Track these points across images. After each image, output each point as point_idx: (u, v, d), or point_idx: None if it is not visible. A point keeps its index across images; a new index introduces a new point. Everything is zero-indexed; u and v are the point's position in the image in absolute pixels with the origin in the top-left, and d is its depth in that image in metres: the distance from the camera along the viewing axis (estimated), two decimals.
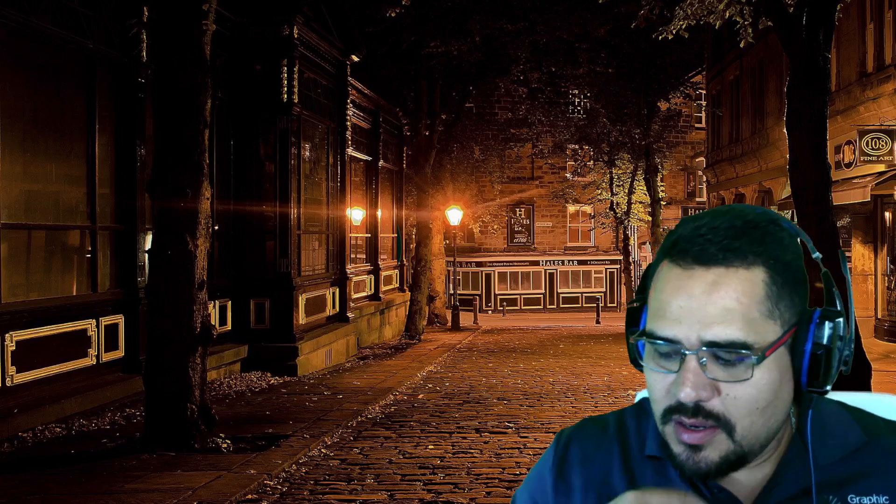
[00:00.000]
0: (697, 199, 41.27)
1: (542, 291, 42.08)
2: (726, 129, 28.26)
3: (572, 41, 22.71)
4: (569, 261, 42.03)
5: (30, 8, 8.81)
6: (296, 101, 13.70)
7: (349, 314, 16.93)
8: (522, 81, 25.65)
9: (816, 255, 1.03)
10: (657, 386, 1.01)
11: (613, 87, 26.66)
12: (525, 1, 20.61)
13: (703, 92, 33.22)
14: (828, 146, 9.36)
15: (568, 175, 39.12)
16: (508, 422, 9.80)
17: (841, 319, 1.00)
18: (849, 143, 16.69)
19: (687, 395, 0.96)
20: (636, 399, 1.25)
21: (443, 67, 22.22)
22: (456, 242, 30.02)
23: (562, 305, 41.81)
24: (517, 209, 41.07)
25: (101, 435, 8.29)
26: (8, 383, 8.27)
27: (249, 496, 6.60)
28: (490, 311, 39.79)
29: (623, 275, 34.39)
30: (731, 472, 1.00)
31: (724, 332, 0.96)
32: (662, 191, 32.50)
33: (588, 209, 40.97)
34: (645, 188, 29.42)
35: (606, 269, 42.27)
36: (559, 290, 42.16)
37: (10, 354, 8.28)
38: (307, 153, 15.39)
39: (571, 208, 41.47)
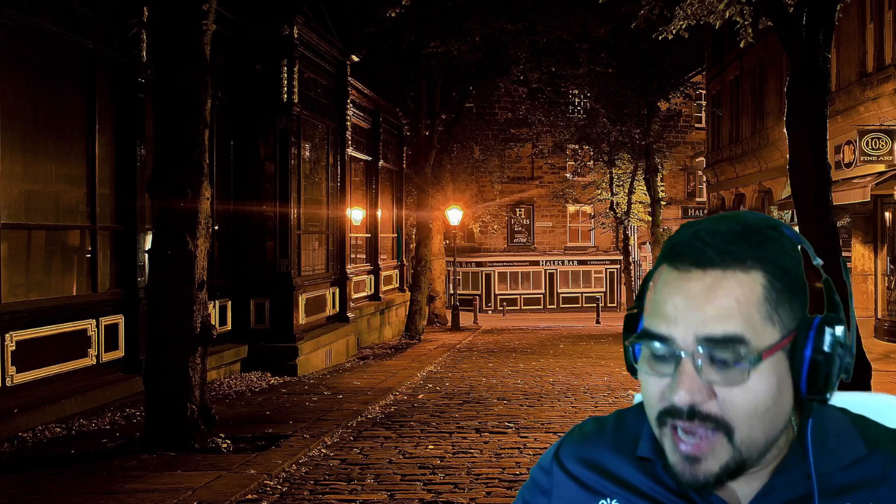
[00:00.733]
0: (697, 199, 41.27)
1: (542, 291, 42.09)
2: (726, 129, 28.27)
3: (572, 41, 22.71)
4: (569, 261, 42.03)
5: (30, 8, 8.81)
6: (296, 101, 13.70)
7: (349, 314, 16.93)
8: (522, 81, 25.65)
9: (818, 261, 1.03)
10: (651, 390, 1.00)
11: (613, 87, 26.67)
12: (525, 1, 20.61)
13: (703, 92, 33.23)
14: (828, 146, 9.36)
15: (568, 175, 39.12)
16: (508, 422, 9.80)
17: (842, 326, 0.99)
18: (849, 143, 16.69)
19: (681, 398, 0.95)
20: (635, 400, 1.25)
21: (443, 67, 22.22)
22: (456, 242, 30.02)
23: (562, 305, 41.81)
24: (517, 209, 41.08)
25: (101, 435, 8.29)
26: (8, 383, 8.27)
27: (249, 496, 6.60)
28: (490, 311, 39.79)
29: (623, 275, 34.39)
30: (730, 480, 0.99)
31: (721, 327, 0.95)
32: (662, 191, 32.52)
33: (588, 209, 40.97)
34: (645, 188, 29.43)
35: (606, 269, 42.27)
36: (559, 290, 42.16)
37: (10, 354, 8.28)
38: (307, 153, 15.39)
39: (571, 208, 41.47)
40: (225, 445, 7.84)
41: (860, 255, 17.56)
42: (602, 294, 40.07)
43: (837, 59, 17.58)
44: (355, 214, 19.39)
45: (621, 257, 35.01)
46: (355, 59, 17.02)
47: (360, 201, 20.24)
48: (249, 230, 13.61)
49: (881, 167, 15.86)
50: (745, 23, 11.75)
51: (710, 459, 0.96)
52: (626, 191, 31.17)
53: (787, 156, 9.51)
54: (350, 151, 17.78)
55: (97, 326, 9.75)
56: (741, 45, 12.69)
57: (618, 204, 31.65)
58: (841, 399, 1.13)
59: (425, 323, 22.58)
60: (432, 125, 22.29)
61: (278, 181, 13.59)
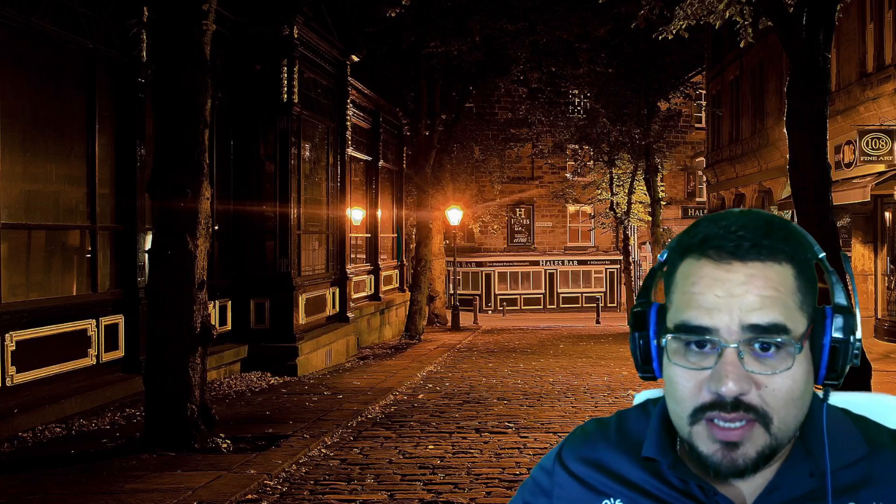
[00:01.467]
0: (697, 199, 41.26)
1: (542, 291, 42.09)
2: (726, 129, 28.27)
3: (572, 41, 22.70)
4: (569, 261, 42.03)
5: (30, 8, 8.81)
6: (296, 101, 13.70)
7: (349, 314, 16.93)
8: (522, 81, 25.65)
9: (822, 254, 1.05)
10: (686, 385, 1.00)
11: (613, 87, 26.64)
12: (525, 1, 20.60)
13: (703, 92, 33.22)
14: (828, 146, 9.36)
15: (568, 175, 39.11)
16: (508, 422, 9.80)
17: (852, 315, 1.03)
18: (849, 143, 16.69)
19: (729, 389, 0.97)
20: (635, 400, 1.25)
21: (443, 67, 22.22)
22: (456, 242, 30.01)
23: (562, 305, 41.81)
24: (517, 209, 41.08)
25: (101, 435, 8.29)
26: (8, 383, 8.27)
27: (249, 496, 6.61)
28: (490, 311, 39.79)
29: (623, 275, 34.34)
30: (764, 467, 1.00)
31: (766, 316, 0.98)
32: (662, 191, 32.50)
33: (588, 209, 40.96)
34: (645, 188, 29.39)
35: (606, 269, 42.27)
36: (559, 290, 42.16)
37: (10, 354, 8.28)
38: (307, 153, 15.39)
39: (571, 208, 41.47)
40: (225, 445, 7.84)
41: (860, 255, 17.56)
42: (602, 294, 40.07)
43: (837, 59, 17.58)
44: (355, 214, 19.39)
45: (621, 257, 34.99)
46: (355, 59, 17.02)
47: (360, 201, 20.24)
48: (249, 230, 13.61)
49: (881, 167, 15.85)
50: (745, 23, 11.74)
51: (747, 445, 0.98)
52: (626, 191, 31.13)
53: (787, 156, 9.50)
54: (350, 151, 17.78)
55: (97, 326, 9.75)
56: (741, 45, 12.69)
57: (618, 204, 31.61)
58: (841, 399, 1.14)
59: (425, 323, 22.58)
60: (432, 125, 22.29)
61: (278, 181, 13.59)
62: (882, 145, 15.65)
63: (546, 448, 8.39)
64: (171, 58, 8.02)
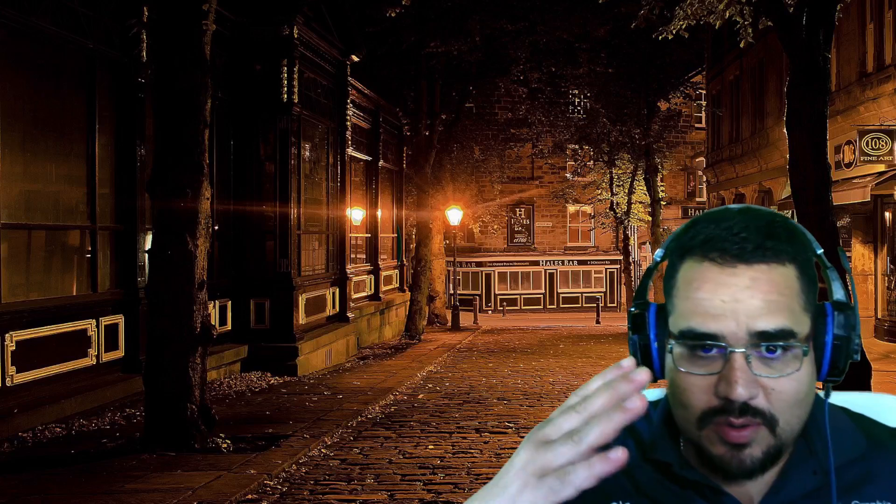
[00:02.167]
0: (697, 199, 41.26)
1: (542, 291, 42.08)
2: (726, 129, 28.27)
3: (572, 41, 22.71)
4: (569, 261, 42.03)
5: (30, 8, 8.81)
6: (296, 101, 13.70)
7: (349, 314, 16.93)
8: (522, 81, 25.64)
9: (820, 250, 1.05)
10: (693, 390, 0.99)
11: (613, 87, 26.65)
12: (525, 1, 20.61)
13: (703, 92, 33.23)
14: (828, 146, 9.36)
15: (568, 175, 39.11)
16: (508, 422, 9.80)
17: (851, 311, 1.03)
18: (849, 143, 16.70)
19: (739, 394, 0.96)
20: None
21: (443, 67, 22.22)
22: (456, 242, 30.01)
23: (562, 305, 41.80)
24: (517, 209, 41.07)
25: (101, 435, 8.29)
26: (8, 383, 8.27)
27: (249, 496, 6.61)
28: (490, 311, 39.79)
29: (623, 275, 34.38)
30: (771, 467, 1.00)
31: (773, 322, 0.97)
32: (662, 191, 32.50)
33: (588, 209, 40.96)
34: (645, 188, 29.40)
35: (606, 269, 42.27)
36: (559, 290, 42.16)
37: (10, 354, 8.27)
38: (307, 153, 15.39)
39: (571, 208, 41.47)
40: (225, 445, 7.84)
41: (860, 255, 17.57)
42: (602, 294, 40.06)
43: (837, 59, 17.58)
44: (355, 214, 19.39)
45: (621, 257, 35.01)
46: (355, 59, 17.02)
47: (360, 201, 20.24)
48: (249, 230, 13.61)
49: (881, 167, 15.86)
50: (745, 23, 11.75)
51: (754, 446, 0.98)
52: (626, 191, 31.16)
53: (787, 156, 9.50)
54: (350, 151, 17.78)
55: (97, 326, 9.75)
56: (741, 45, 12.69)
57: (618, 204, 31.64)
58: (841, 399, 1.14)
59: (425, 323, 22.57)
60: (432, 125, 22.28)
61: (278, 181, 13.59)
62: (882, 145, 15.65)
63: None
64: (171, 58, 8.02)
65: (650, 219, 29.35)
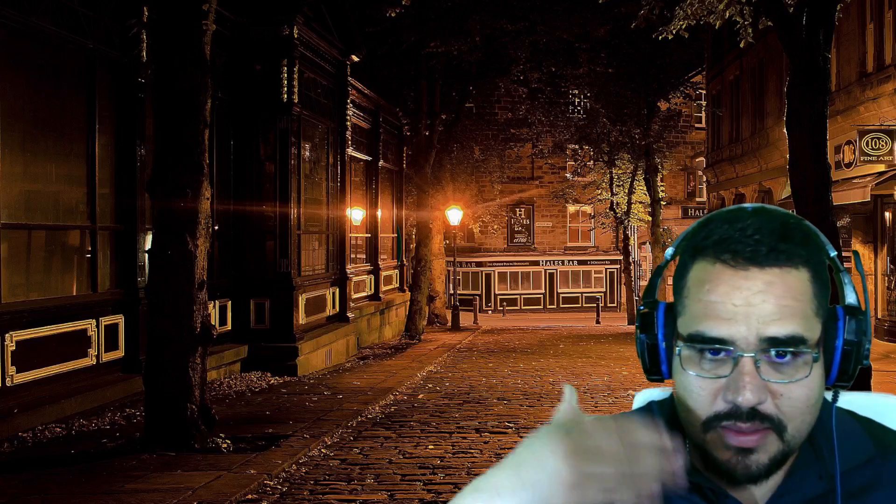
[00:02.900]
0: (697, 199, 41.26)
1: (542, 291, 42.09)
2: (726, 129, 28.27)
3: (572, 41, 22.70)
4: (569, 261, 42.03)
5: (30, 8, 8.81)
6: (296, 101, 13.70)
7: (349, 314, 16.93)
8: (522, 81, 25.64)
9: (833, 253, 1.03)
10: (700, 393, 0.98)
11: (613, 87, 26.64)
12: (525, 1, 20.60)
13: (703, 92, 33.23)
14: (828, 146, 9.36)
15: (568, 175, 39.11)
16: (508, 422, 9.80)
17: (862, 315, 1.01)
18: (849, 143, 16.70)
19: (747, 399, 0.94)
20: (635, 399, 1.24)
21: (443, 67, 22.22)
22: (456, 242, 30.01)
23: (562, 305, 41.80)
24: (517, 209, 41.07)
25: (101, 435, 8.29)
26: (8, 383, 8.27)
27: (249, 496, 6.60)
28: (490, 311, 39.79)
29: (623, 275, 34.36)
30: (776, 472, 0.99)
31: (785, 328, 0.95)
32: (662, 191, 32.48)
33: (588, 209, 40.96)
34: (645, 188, 29.40)
35: (606, 269, 42.27)
36: (559, 290, 42.16)
37: (10, 354, 8.27)
38: (307, 153, 15.38)
39: (571, 208, 41.46)
40: (225, 445, 7.84)
41: (860, 255, 17.56)
42: (602, 294, 40.06)
43: (837, 59, 17.58)
44: (355, 214, 19.38)
45: (621, 257, 35.00)
46: (355, 59, 17.02)
47: (360, 201, 20.24)
48: (249, 230, 13.61)
49: (881, 167, 15.86)
50: (745, 23, 11.74)
51: (760, 452, 0.96)
52: (626, 191, 31.14)
53: (787, 156, 9.50)
54: (350, 151, 17.77)
55: (97, 326, 9.75)
56: (741, 45, 12.69)
57: (618, 204, 31.62)
58: (841, 399, 1.13)
59: (425, 323, 22.57)
60: (432, 125, 22.28)
61: (278, 181, 13.59)
62: (882, 145, 15.65)
63: None
64: (171, 58, 8.02)
65: (650, 219, 29.35)
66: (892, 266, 16.82)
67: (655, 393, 1.22)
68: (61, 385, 9.02)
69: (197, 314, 7.92)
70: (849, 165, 16.65)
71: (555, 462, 0.85)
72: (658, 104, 28.30)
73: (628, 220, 30.85)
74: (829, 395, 1.04)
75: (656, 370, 1.06)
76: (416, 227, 23.42)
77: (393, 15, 16.18)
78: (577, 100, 31.81)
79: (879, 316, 17.13)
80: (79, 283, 9.94)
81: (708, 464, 1.01)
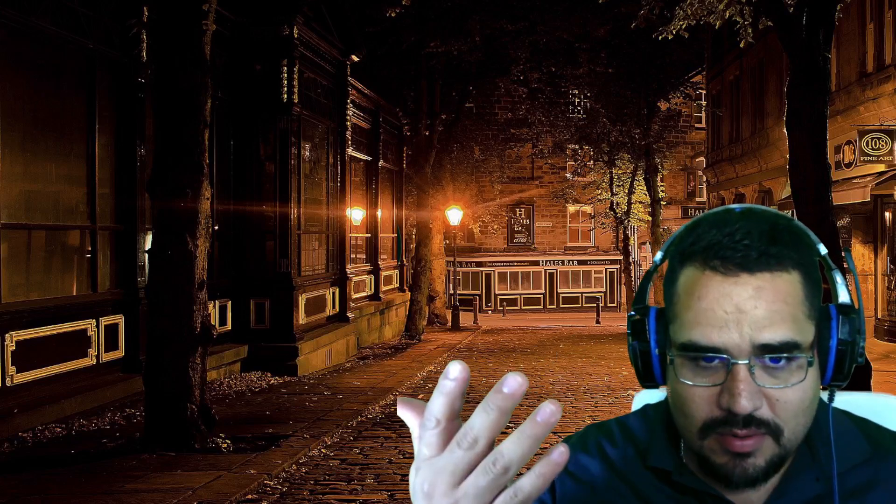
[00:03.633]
0: (697, 199, 41.26)
1: (542, 291, 42.08)
2: (726, 129, 28.27)
3: (572, 41, 22.70)
4: (569, 261, 42.03)
5: (30, 8, 8.81)
6: (296, 101, 13.69)
7: (349, 314, 16.93)
8: (522, 81, 25.64)
9: (824, 251, 1.03)
10: (695, 401, 0.97)
11: (613, 87, 26.65)
12: (525, 1, 20.60)
13: (703, 92, 33.22)
14: (828, 146, 9.35)
15: (568, 175, 39.11)
16: (508, 422, 9.78)
17: (855, 314, 1.01)
18: (849, 143, 16.70)
19: (743, 406, 0.94)
20: (634, 400, 1.24)
21: (443, 67, 22.22)
22: (456, 242, 30.01)
23: (562, 305, 41.80)
24: (517, 209, 41.07)
25: (101, 435, 8.29)
26: (8, 383, 8.27)
27: (249, 496, 6.60)
28: (490, 311, 39.78)
29: (623, 275, 34.38)
30: (773, 475, 0.99)
31: (777, 334, 0.94)
32: (662, 191, 32.48)
33: (588, 209, 40.95)
34: (645, 188, 29.40)
35: (606, 269, 42.26)
36: (559, 290, 42.16)
37: (10, 354, 8.27)
38: (307, 153, 15.38)
39: (571, 208, 41.46)
40: (225, 445, 7.84)
41: (860, 255, 17.56)
42: (602, 294, 40.06)
43: (837, 59, 17.58)
44: (355, 214, 19.38)
45: (621, 257, 35.00)
46: (355, 59, 17.02)
47: (360, 201, 20.24)
48: (249, 230, 13.61)
49: (881, 167, 15.86)
50: (745, 23, 11.74)
51: (757, 456, 0.96)
52: (626, 191, 31.16)
53: (787, 156, 9.50)
54: (350, 151, 17.77)
55: (97, 326, 9.75)
56: (741, 45, 12.69)
57: (618, 204, 31.64)
58: (841, 399, 1.13)
59: (425, 323, 22.57)
60: (432, 125, 22.28)
61: (278, 181, 13.59)
62: (882, 145, 15.65)
63: (545, 449, 8.37)
64: (171, 58, 8.02)
65: (650, 219, 29.34)
66: (892, 266, 16.82)
67: (654, 394, 1.22)
68: (61, 385, 9.02)
69: (197, 314, 7.92)
70: (849, 165, 16.65)
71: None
72: (658, 104, 28.30)
73: (628, 220, 30.87)
74: (825, 396, 1.04)
75: (650, 377, 1.06)
76: (416, 227, 23.42)
77: (393, 15, 16.18)
78: (577, 100, 31.81)
79: (879, 316, 17.12)
80: (79, 283, 9.94)
81: (705, 469, 1.00)
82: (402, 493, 6.82)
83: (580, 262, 42.14)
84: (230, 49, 12.99)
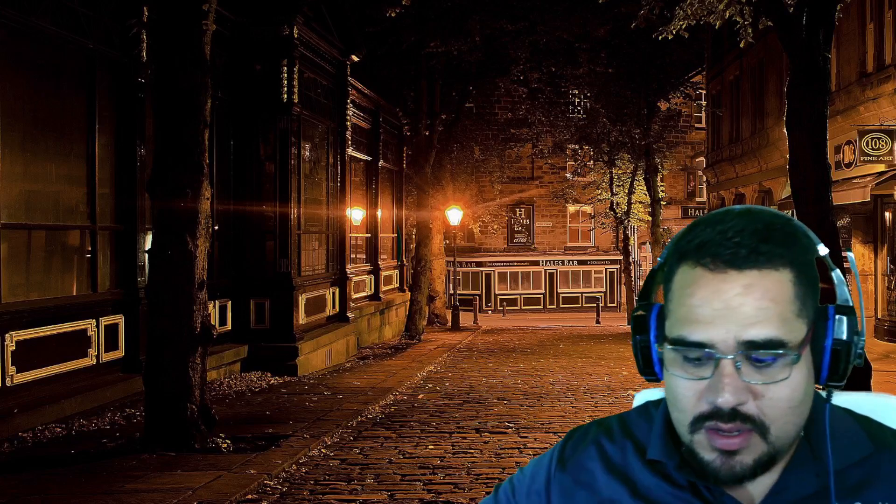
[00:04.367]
0: (697, 199, 41.27)
1: (542, 291, 42.09)
2: (726, 129, 28.27)
3: (572, 41, 22.70)
4: (569, 261, 42.03)
5: (30, 8, 8.81)
6: (296, 101, 13.70)
7: (349, 314, 16.93)
8: (522, 81, 25.64)
9: (824, 252, 1.03)
10: (686, 394, 1.00)
11: (613, 87, 26.64)
12: (525, 1, 20.61)
13: (703, 92, 33.22)
14: (828, 146, 9.36)
15: (568, 175, 39.11)
16: (508, 422, 9.80)
17: (854, 315, 1.01)
18: (849, 143, 16.70)
19: (726, 400, 0.96)
20: (635, 399, 1.25)
21: (443, 67, 22.22)
22: (456, 242, 30.01)
23: (562, 305, 41.81)
24: (517, 209, 41.08)
25: (101, 435, 8.29)
26: (8, 383, 8.27)
27: (249, 496, 6.61)
28: (490, 311, 39.79)
29: (623, 275, 34.35)
30: (762, 474, 1.00)
31: (762, 332, 0.96)
32: (662, 191, 32.47)
33: (588, 209, 40.96)
34: (645, 188, 29.39)
35: (606, 269, 42.27)
36: (559, 290, 42.16)
37: (10, 354, 8.28)
38: (307, 153, 15.39)
39: (571, 208, 41.47)
40: (225, 445, 7.84)
41: (860, 255, 17.56)
42: (602, 294, 40.07)
43: (837, 59, 17.58)
44: (355, 214, 19.39)
45: (621, 257, 34.99)
46: (355, 59, 17.02)
47: (360, 201, 20.24)
48: (249, 230, 13.61)
49: (881, 167, 15.86)
50: (745, 23, 11.74)
51: (744, 453, 0.97)
52: (626, 191, 31.13)
53: (787, 156, 9.50)
54: (350, 151, 17.78)
55: (97, 326, 9.75)
56: (741, 45, 12.69)
57: (618, 204, 31.61)
58: (841, 399, 1.13)
59: (425, 323, 22.58)
60: (432, 125, 22.28)
61: (278, 181, 13.59)
62: (882, 145, 15.65)
63: (546, 448, 8.38)
64: (171, 58, 8.02)
65: (650, 219, 29.34)
66: (892, 266, 16.82)
67: (655, 393, 1.22)
68: (61, 385, 9.02)
69: (197, 314, 7.92)
70: (849, 165, 16.65)
71: None
72: (658, 104, 28.29)
73: (628, 220, 30.85)
74: (823, 394, 1.05)
75: (650, 370, 1.08)
76: (416, 227, 23.42)
77: (393, 15, 16.18)
78: (577, 100, 31.81)
79: (879, 316, 17.12)
80: (79, 283, 9.94)
81: (694, 464, 1.01)
82: (402, 493, 6.82)
83: (580, 262, 42.15)
84: (230, 49, 13.00)
